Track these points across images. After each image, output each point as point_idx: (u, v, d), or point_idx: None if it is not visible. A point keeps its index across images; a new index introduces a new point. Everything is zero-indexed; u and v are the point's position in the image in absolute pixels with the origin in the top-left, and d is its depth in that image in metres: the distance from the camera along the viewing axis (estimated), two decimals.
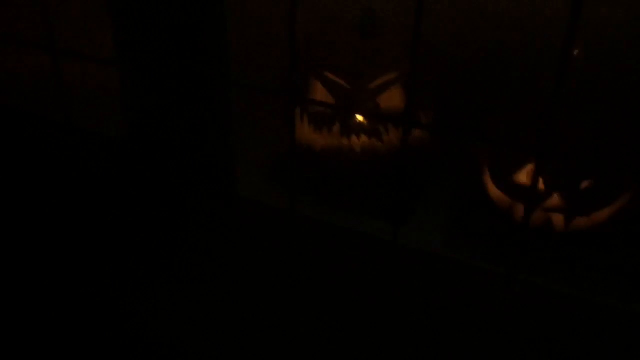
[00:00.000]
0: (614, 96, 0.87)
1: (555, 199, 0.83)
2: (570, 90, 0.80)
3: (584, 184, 0.81)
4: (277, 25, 1.07)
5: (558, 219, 0.83)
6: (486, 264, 0.87)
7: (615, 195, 0.81)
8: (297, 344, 1.00)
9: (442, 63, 0.99)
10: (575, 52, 0.83)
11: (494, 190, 0.88)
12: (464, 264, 0.90)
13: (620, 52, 0.92)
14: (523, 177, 0.85)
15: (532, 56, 0.96)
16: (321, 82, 0.97)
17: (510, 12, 0.99)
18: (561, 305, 0.83)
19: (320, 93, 0.99)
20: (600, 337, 0.81)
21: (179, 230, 1.02)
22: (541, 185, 0.83)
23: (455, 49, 1.01)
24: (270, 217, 1.03)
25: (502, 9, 0.99)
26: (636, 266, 0.85)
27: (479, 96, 0.98)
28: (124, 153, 1.00)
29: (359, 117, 0.96)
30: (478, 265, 0.88)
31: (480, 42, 0.99)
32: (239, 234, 1.05)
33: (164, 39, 0.87)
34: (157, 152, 0.96)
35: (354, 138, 0.97)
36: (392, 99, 0.95)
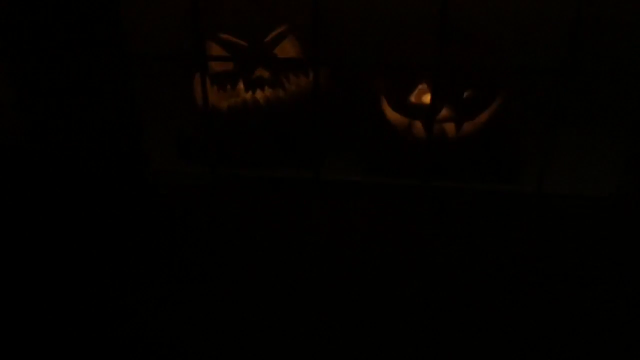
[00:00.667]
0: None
1: (445, 111, 0.98)
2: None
3: (466, 94, 0.98)
4: None
5: (450, 127, 0.99)
6: (400, 180, 1.01)
7: (490, 99, 0.99)
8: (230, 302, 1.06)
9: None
10: None
11: (392, 114, 1.02)
12: (381, 184, 1.03)
13: None
14: (416, 97, 1.00)
15: None
16: (217, 43, 1.03)
17: None
18: (458, 195, 0.99)
19: (216, 53, 1.04)
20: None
21: (93, 219, 1.02)
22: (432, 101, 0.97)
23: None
24: (188, 185, 1.08)
25: None
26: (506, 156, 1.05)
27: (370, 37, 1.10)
28: (26, 150, 0.97)
29: (260, 72, 1.04)
30: (394, 183, 1.01)
31: None
32: (158, 210, 1.07)
33: (49, 16, 0.86)
34: (61, 140, 0.95)
35: (258, 92, 1.04)
36: (287, 50, 1.04)
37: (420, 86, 0.99)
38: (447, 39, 0.96)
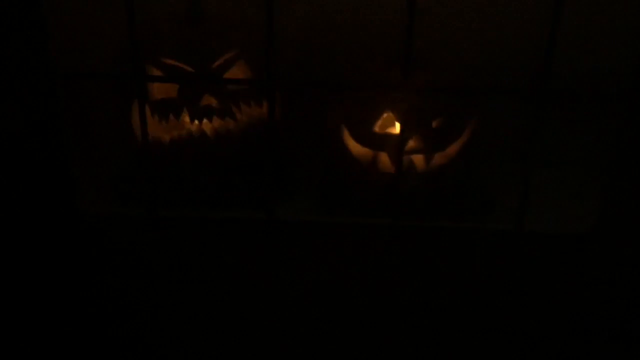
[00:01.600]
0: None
1: (412, 142, 0.89)
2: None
3: (435, 123, 0.89)
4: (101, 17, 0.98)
5: (418, 159, 0.90)
6: (364, 219, 0.91)
7: (461, 129, 0.91)
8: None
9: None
10: None
11: (354, 146, 0.92)
12: (340, 223, 0.93)
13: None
14: (380, 127, 0.91)
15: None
16: (159, 68, 0.92)
17: None
18: (432, 235, 0.90)
19: (157, 83, 0.93)
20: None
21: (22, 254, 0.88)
22: (399, 130, 0.89)
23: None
24: (125, 230, 0.95)
25: None
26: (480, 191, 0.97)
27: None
28: None
29: (207, 100, 0.93)
30: (357, 222, 0.91)
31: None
32: (90, 260, 0.94)
33: None
34: None
35: (205, 122, 0.93)
36: (237, 76, 0.94)
37: (385, 114, 0.90)
38: (414, 61, 0.88)
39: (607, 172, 0.87)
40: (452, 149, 0.91)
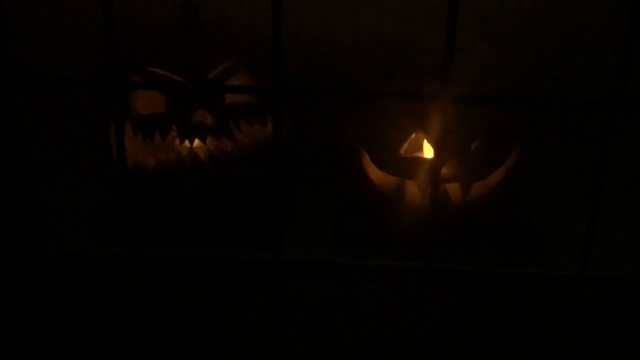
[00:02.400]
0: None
1: (448, 168, 0.74)
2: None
3: (475, 145, 0.74)
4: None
5: (454, 189, 0.75)
6: (386, 261, 0.75)
7: (505, 153, 0.76)
8: None
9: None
10: None
11: (376, 173, 0.77)
12: (355, 266, 0.77)
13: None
14: (408, 150, 0.76)
15: None
16: (145, 78, 0.77)
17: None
18: (470, 281, 0.74)
19: (143, 97, 0.78)
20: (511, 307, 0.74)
21: None
22: (430, 154, 0.74)
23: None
24: (104, 272, 0.79)
25: None
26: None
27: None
28: None
29: (201, 116, 0.78)
30: (376, 265, 0.76)
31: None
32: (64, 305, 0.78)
33: None
34: None
35: (198, 143, 0.78)
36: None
37: (413, 135, 0.75)
38: (451, 71, 0.74)
39: None
40: (495, 177, 0.76)
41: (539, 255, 0.76)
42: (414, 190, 0.76)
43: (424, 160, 0.75)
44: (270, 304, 0.75)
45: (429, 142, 0.75)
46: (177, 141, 0.78)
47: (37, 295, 0.76)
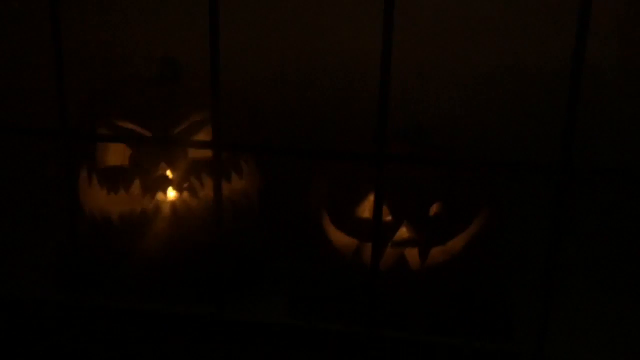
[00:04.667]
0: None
1: (404, 231, 0.71)
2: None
3: (434, 209, 0.71)
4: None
5: (412, 254, 0.71)
6: (340, 325, 0.72)
7: (467, 218, 0.72)
8: None
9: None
10: None
11: (334, 234, 0.74)
12: (312, 330, 0.73)
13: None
14: (365, 211, 0.73)
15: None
16: (112, 131, 0.79)
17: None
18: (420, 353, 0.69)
19: (111, 149, 0.80)
20: None
21: None
22: (388, 216, 0.71)
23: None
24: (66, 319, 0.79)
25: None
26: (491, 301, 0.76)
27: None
28: None
29: (164, 170, 0.79)
30: (332, 329, 0.72)
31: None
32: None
33: None
34: None
35: (160, 195, 0.78)
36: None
37: (371, 195, 0.73)
38: (405, 132, 0.72)
39: None
40: (456, 243, 0.72)
41: (504, 334, 0.71)
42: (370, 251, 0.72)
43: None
44: None
45: (385, 203, 0.72)
46: (140, 194, 0.79)
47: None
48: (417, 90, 0.86)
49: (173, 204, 0.79)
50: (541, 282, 0.59)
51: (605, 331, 0.74)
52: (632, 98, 0.84)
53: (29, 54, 0.92)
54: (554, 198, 0.58)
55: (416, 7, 0.83)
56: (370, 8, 0.84)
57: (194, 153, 0.80)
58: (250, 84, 0.86)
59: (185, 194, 0.78)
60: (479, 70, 0.85)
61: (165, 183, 0.78)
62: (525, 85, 0.85)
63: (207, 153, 0.80)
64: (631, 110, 0.84)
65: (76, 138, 0.73)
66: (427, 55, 0.85)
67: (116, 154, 0.79)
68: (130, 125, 0.78)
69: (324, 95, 0.88)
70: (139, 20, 0.92)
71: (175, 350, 0.75)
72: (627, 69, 0.83)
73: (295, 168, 0.83)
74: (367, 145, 0.76)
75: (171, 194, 0.79)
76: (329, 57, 0.87)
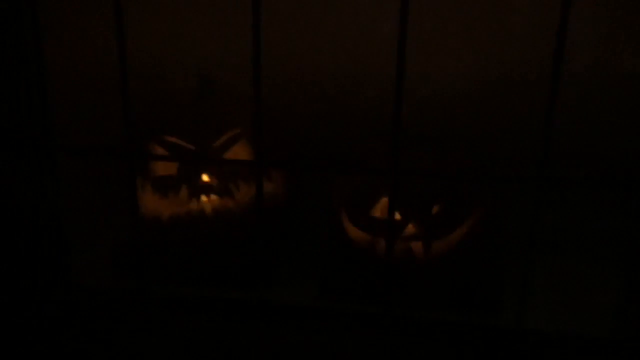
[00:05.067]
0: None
1: (411, 228, 0.85)
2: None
3: (435, 209, 0.85)
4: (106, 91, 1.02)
5: (417, 246, 0.86)
6: (360, 306, 0.86)
7: (463, 216, 0.86)
8: None
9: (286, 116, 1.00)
10: None
11: (352, 230, 0.89)
12: (337, 311, 0.88)
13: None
14: (378, 211, 0.87)
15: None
16: (162, 146, 0.93)
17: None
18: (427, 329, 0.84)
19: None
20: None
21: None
22: (397, 216, 0.85)
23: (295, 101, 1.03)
24: (119, 303, 0.93)
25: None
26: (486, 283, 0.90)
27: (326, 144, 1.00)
28: None
29: (206, 178, 0.93)
30: (353, 310, 0.87)
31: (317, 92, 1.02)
32: (82, 326, 0.93)
33: None
34: None
35: (203, 199, 0.93)
36: (239, 155, 0.94)
37: (383, 198, 0.87)
38: (411, 141, 0.86)
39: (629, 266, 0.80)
40: (454, 237, 0.86)
41: (496, 311, 0.86)
42: (384, 245, 0.87)
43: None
44: (255, 342, 0.87)
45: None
46: (187, 198, 0.93)
47: (61, 322, 0.91)
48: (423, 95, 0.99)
49: (214, 205, 0.93)
50: (522, 267, 0.74)
51: (578, 303, 0.88)
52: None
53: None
54: (532, 203, 0.72)
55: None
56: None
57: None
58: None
59: (225, 197, 0.93)
60: (476, 78, 0.97)
61: (207, 189, 0.92)
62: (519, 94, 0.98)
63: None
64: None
65: (139, 158, 0.87)
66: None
67: (166, 165, 0.93)
68: (177, 141, 0.93)
69: (334, 99, 1.02)
70: (177, 39, 1.05)
71: (219, 330, 0.90)
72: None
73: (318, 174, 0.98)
74: (379, 147, 0.90)
75: (212, 197, 0.94)
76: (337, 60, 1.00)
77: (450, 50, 0.98)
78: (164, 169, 0.94)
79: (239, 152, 0.94)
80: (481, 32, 0.96)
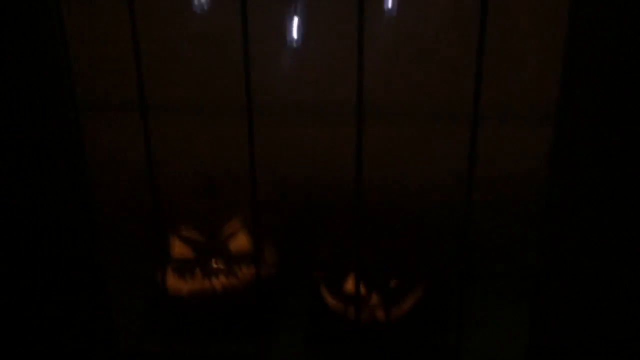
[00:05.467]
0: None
1: (374, 298, 1.11)
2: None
3: (392, 283, 1.12)
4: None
5: (380, 312, 1.12)
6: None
7: (412, 288, 1.13)
8: None
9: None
10: None
11: (330, 300, 1.15)
12: None
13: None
14: (349, 285, 1.14)
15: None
16: (179, 238, 1.19)
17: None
18: None
19: (178, 246, 1.21)
20: None
21: None
22: (363, 289, 1.11)
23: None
24: None
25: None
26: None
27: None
28: None
29: (216, 263, 1.19)
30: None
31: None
32: None
33: None
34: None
35: (214, 279, 1.19)
36: (241, 242, 1.20)
37: (351, 276, 1.13)
38: (370, 235, 1.12)
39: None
40: (407, 303, 1.13)
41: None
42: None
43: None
44: None
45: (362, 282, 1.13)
46: (201, 278, 1.19)
47: None
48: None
49: (223, 283, 1.20)
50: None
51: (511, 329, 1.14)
52: None
53: None
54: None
55: None
56: None
57: (234, 248, 1.20)
58: None
59: (231, 277, 1.19)
60: None
61: (217, 271, 1.19)
62: None
63: (244, 249, 1.21)
64: None
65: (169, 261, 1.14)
66: None
67: (183, 251, 1.20)
68: (191, 232, 1.19)
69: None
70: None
71: None
72: None
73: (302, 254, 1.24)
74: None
75: (221, 277, 1.20)
76: None
77: None
78: (182, 254, 1.20)
79: (241, 239, 1.20)
80: None
